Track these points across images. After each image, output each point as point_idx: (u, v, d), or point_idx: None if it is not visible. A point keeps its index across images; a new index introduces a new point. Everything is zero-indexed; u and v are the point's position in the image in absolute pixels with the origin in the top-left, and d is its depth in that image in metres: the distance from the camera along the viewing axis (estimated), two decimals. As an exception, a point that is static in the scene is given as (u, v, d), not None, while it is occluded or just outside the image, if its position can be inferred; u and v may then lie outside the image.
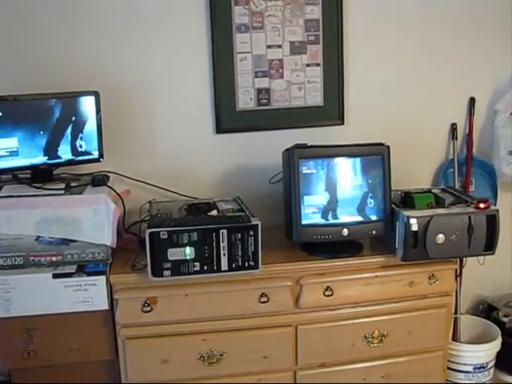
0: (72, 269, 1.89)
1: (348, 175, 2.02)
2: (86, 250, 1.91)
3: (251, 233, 1.86)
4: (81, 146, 2.04)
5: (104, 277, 1.88)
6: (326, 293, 2.00)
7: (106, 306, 1.90)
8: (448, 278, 2.09)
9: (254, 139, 2.34)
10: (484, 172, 2.53)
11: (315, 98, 2.35)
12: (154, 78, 2.23)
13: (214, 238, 1.84)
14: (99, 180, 2.00)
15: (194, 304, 1.93)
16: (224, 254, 1.86)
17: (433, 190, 2.18)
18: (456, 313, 2.47)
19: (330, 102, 2.36)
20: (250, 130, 2.32)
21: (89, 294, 1.88)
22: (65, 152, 2.01)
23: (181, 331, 1.95)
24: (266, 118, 2.33)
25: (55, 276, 1.86)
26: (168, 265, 1.83)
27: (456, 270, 2.16)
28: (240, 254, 1.87)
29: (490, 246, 1.98)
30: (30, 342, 1.90)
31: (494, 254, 2.00)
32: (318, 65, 2.32)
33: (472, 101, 2.48)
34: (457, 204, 2.05)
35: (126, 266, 1.94)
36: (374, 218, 2.03)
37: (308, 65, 2.31)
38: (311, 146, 2.01)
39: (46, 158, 1.98)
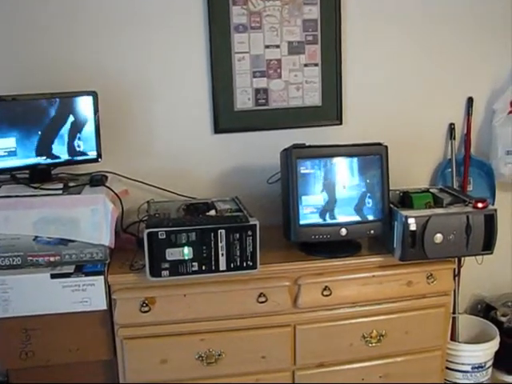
0: (70, 269, 1.89)
1: (346, 175, 2.02)
2: (84, 250, 1.91)
3: (249, 233, 1.86)
4: (79, 146, 2.03)
5: (102, 277, 1.88)
6: (324, 293, 2.00)
7: (104, 306, 1.90)
8: (446, 277, 2.09)
9: (252, 139, 2.34)
10: (482, 172, 2.53)
11: (313, 98, 2.35)
12: (154, 78, 2.23)
13: (212, 238, 1.84)
14: (97, 180, 2.00)
15: (193, 304, 1.93)
16: (222, 254, 1.86)
17: (431, 190, 2.18)
18: (454, 312, 2.47)
19: (328, 102, 2.35)
20: (248, 129, 2.32)
21: (87, 294, 1.87)
22: (63, 152, 2.01)
23: (179, 331, 1.95)
24: (264, 118, 2.32)
25: (53, 276, 1.86)
26: (166, 265, 1.82)
27: (454, 269, 2.16)
28: (238, 254, 1.87)
29: (488, 245, 1.99)
30: (28, 342, 1.90)
31: (492, 253, 2.00)
32: (316, 65, 2.32)
33: (470, 101, 2.48)
34: (455, 204, 2.05)
35: (124, 266, 1.93)
36: (371, 217, 2.03)
37: (306, 65, 2.31)
38: (309, 146, 2.01)
39: (44, 158, 1.98)
